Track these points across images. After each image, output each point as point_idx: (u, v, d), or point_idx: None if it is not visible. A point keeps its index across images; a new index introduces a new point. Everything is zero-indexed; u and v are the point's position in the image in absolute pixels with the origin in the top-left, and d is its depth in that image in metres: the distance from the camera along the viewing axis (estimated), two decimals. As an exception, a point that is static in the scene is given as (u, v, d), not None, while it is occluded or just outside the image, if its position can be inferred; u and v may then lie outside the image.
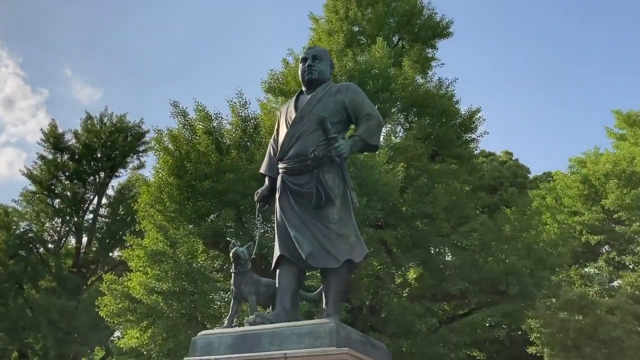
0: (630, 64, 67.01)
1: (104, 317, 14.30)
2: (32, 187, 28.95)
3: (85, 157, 29.31)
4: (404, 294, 16.00)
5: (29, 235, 27.81)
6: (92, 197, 29.61)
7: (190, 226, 14.70)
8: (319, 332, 5.15)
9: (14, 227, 27.78)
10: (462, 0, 59.18)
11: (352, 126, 6.36)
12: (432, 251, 16.44)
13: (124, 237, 26.09)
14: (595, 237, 21.82)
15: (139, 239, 15.11)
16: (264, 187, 6.56)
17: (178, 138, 15.29)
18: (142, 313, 13.71)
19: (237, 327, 5.91)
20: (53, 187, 28.96)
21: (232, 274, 6.18)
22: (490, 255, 16.56)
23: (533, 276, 16.22)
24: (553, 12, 68.30)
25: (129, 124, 30.79)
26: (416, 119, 17.82)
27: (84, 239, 29.12)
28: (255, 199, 6.61)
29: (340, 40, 18.05)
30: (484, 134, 19.55)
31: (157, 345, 13.93)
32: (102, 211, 29.83)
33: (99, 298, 14.50)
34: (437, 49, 21.29)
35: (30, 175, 28.80)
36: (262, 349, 5.29)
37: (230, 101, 16.11)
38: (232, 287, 6.17)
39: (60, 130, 30.04)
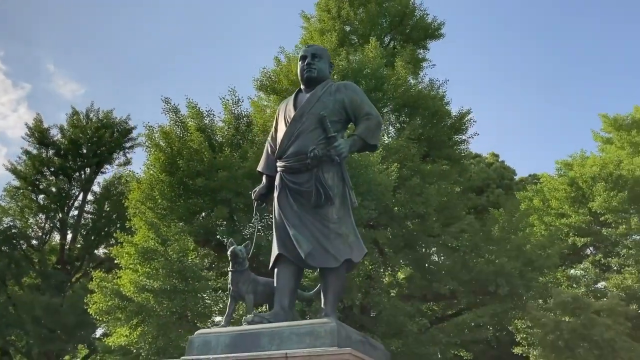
0: (616, 67, 67.86)
1: (93, 314, 14.11)
2: (16, 182, 28.54)
3: (70, 153, 28.91)
4: (394, 294, 16.00)
5: (13, 231, 27.35)
6: (77, 193, 29.25)
7: (181, 224, 14.59)
8: (320, 332, 5.10)
9: (-3, 222, 27.43)
10: (452, 2, 59.50)
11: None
12: (422, 251, 16.48)
13: (113, 234, 25.94)
14: (582, 239, 22.07)
15: (129, 235, 14.95)
16: (261, 185, 6.54)
17: (170, 135, 15.17)
18: (132, 311, 13.56)
19: (234, 326, 5.84)
20: (38, 182, 28.53)
21: (230, 273, 6.14)
22: (480, 256, 16.65)
23: (522, 277, 16.34)
24: (542, 15, 68.96)
25: (116, 120, 30.48)
26: (408, 119, 17.87)
27: (69, 236, 28.77)
28: (253, 197, 6.60)
29: (333, 40, 18.05)
30: (474, 135, 19.68)
31: (147, 344, 13.79)
32: (88, 207, 29.50)
33: (88, 295, 14.32)
34: (429, 49, 21.41)
35: (14, 171, 28.35)
36: (261, 348, 5.23)
37: (223, 98, 16.04)
38: (229, 285, 6.12)
39: (45, 125, 29.70)
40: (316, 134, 5.94)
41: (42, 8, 67.00)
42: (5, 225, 27.39)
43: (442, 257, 17.76)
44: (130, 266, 14.16)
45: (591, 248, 24.59)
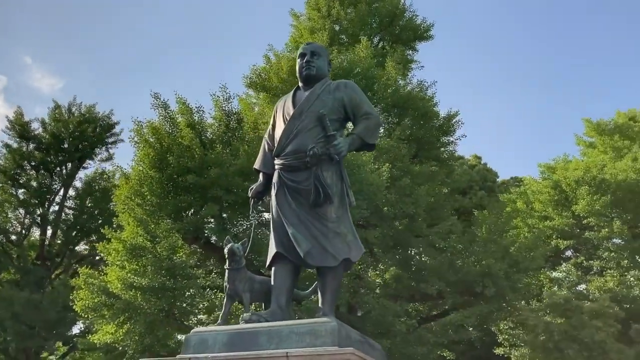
0: (598, 72, 68.90)
1: (79, 311, 13.89)
2: (-4, 176, 28.12)
3: (52, 147, 28.54)
4: (381, 293, 16.03)
5: (-8, 225, 27.00)
6: (58, 188, 28.87)
7: (169, 220, 14.45)
8: (320, 331, 5.06)
9: (-25, 216, 26.98)
10: (437, 3, 59.85)
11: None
12: (411, 252, 16.54)
13: (96, 231, 25.63)
14: (565, 241, 22.34)
15: (116, 231, 14.77)
16: (258, 183, 6.47)
17: (159, 130, 15.02)
18: (119, 308, 13.38)
19: (231, 325, 5.78)
20: (18, 176, 28.14)
21: (226, 271, 6.07)
22: (467, 257, 16.77)
23: (508, 279, 16.49)
24: (525, 19, 69.71)
25: (98, 115, 30.13)
26: (397, 120, 17.92)
27: (49, 231, 28.35)
28: (249, 195, 6.52)
29: (324, 39, 18.01)
30: (462, 137, 19.81)
31: (133, 342, 13.63)
32: (69, 203, 29.12)
33: (74, 292, 14.09)
34: (418, 51, 21.50)
35: (-7, 164, 27.97)
36: (260, 347, 5.17)
37: (214, 95, 15.92)
38: (225, 284, 6.04)
39: (26, 119, 29.25)
40: (315, 132, 5.91)
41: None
42: (-17, 220, 26.97)
43: (428, 258, 17.84)
44: (117, 263, 13.98)
45: (571, 251, 24.92)
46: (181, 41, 73.68)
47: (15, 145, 28.57)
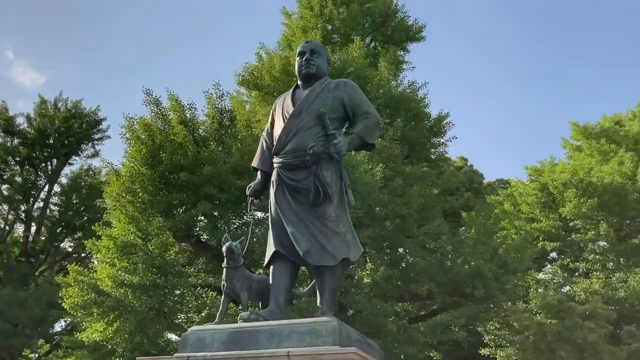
0: (583, 76, 69.63)
1: (68, 309, 13.73)
2: (-22, 172, 27.74)
3: (37, 143, 28.20)
4: (372, 294, 16.05)
5: (-26, 222, 26.65)
6: (43, 184, 28.54)
7: (160, 218, 14.35)
8: (321, 331, 5.04)
9: (-43, 212, 26.61)
10: (422, 4, 60.14)
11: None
12: (401, 252, 16.58)
13: (86, 227, 25.35)
14: (552, 243, 22.57)
15: (105, 229, 14.62)
16: (256, 181, 6.47)
17: (151, 127, 14.90)
18: (108, 306, 13.25)
19: (230, 324, 5.72)
20: (2, 172, 27.79)
21: (224, 269, 6.05)
22: (457, 257, 16.86)
23: (497, 280, 16.61)
24: (513, 22, 70.26)
25: (85, 111, 29.84)
26: (389, 120, 17.96)
27: (33, 228, 28.03)
28: (247, 193, 6.50)
29: (317, 38, 17.99)
30: (453, 138, 19.96)
31: (123, 340, 13.51)
32: (55, 199, 28.81)
33: (63, 289, 13.92)
34: (409, 51, 21.58)
35: (-25, 159, 27.57)
36: (259, 346, 5.14)
37: (207, 92, 15.85)
38: (223, 282, 6.02)
39: (10, 114, 28.85)
40: (315, 130, 5.92)
41: (3, -8, 64.91)
42: (-34, 216, 26.59)
43: (418, 259, 17.92)
44: (108, 260, 13.84)
45: (554, 253, 25.18)
46: (169, 37, 73.22)
47: (-1, 140, 28.26)
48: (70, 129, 28.66)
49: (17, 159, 28.13)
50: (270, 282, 5.88)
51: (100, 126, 29.83)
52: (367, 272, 16.69)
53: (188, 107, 15.76)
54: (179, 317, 14.82)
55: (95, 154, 29.87)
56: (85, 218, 27.48)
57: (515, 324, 19.07)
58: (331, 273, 5.76)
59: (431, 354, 19.75)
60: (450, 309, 17.02)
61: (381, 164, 14.61)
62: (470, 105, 70.60)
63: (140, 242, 13.41)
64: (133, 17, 68.80)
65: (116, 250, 13.49)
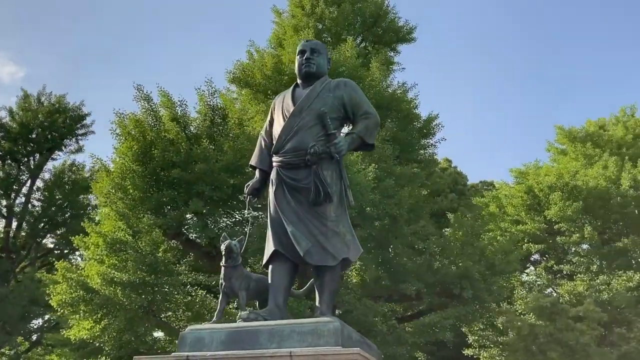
0: (567, 80, 70.41)
1: (55, 306, 13.53)
2: (-41, 165, 27.25)
3: (20, 137, 27.78)
4: (361, 293, 16.09)
5: (-46, 216, 26.17)
6: (25, 179, 28.13)
7: (150, 215, 14.20)
8: (323, 331, 5.03)
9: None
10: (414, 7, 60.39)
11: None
12: (391, 252, 16.61)
13: (64, 224, 25.03)
14: (536, 245, 22.83)
15: (95, 225, 14.44)
16: (254, 179, 6.43)
17: (142, 123, 14.76)
18: (97, 304, 13.09)
19: (229, 323, 5.67)
20: (-18, 166, 27.38)
21: (222, 268, 6.00)
22: (444, 258, 16.96)
23: (485, 281, 16.74)
24: (497, 25, 70.82)
25: (69, 105, 29.48)
26: (381, 121, 17.99)
27: (14, 223, 27.60)
28: (246, 192, 6.47)
29: (310, 37, 17.91)
30: (442, 140, 20.06)
31: (111, 338, 13.35)
32: (37, 195, 28.40)
33: (50, 286, 13.72)
34: (400, 52, 21.63)
35: (-44, 153, 27.08)
36: (260, 346, 5.12)
37: (199, 89, 15.74)
38: (221, 281, 5.98)
39: (-10, 108, 28.40)
40: (315, 130, 5.91)
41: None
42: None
43: (405, 259, 17.99)
44: (96, 257, 13.67)
45: (537, 255, 25.46)
46: (153, 31, 72.60)
47: (-20, 134, 27.78)
48: (54, 124, 28.29)
49: (-1, 152, 27.72)
50: (269, 281, 5.85)
51: (85, 121, 29.51)
52: (357, 271, 16.72)
53: (179, 103, 15.67)
54: (167, 315, 14.70)
55: (79, 150, 29.56)
56: (69, 214, 27.12)
57: (500, 325, 19.26)
58: (331, 273, 5.75)
59: (415, 354, 19.85)
60: (438, 309, 17.11)
61: (373, 164, 14.63)
62: (453, 107, 71.08)
63: (131, 239, 13.27)
64: (116, 8, 68.10)
65: (105, 247, 13.32)
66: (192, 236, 15.56)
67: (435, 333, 17.27)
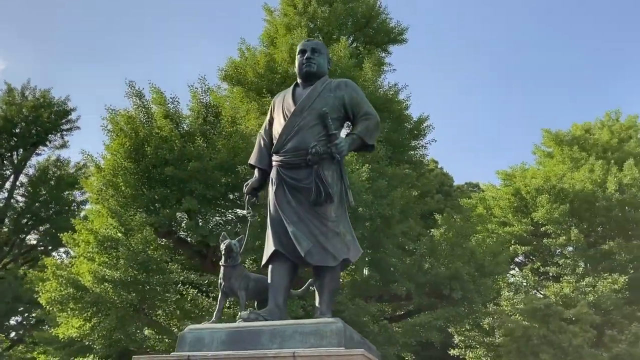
0: (554, 83, 71.07)
1: (44, 304, 13.34)
2: (-60, 160, 26.80)
3: (4, 131, 27.38)
4: (352, 293, 16.09)
5: None
6: (9, 174, 27.73)
7: (141, 212, 14.07)
8: (325, 332, 5.00)
9: None
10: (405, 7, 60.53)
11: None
12: (383, 253, 16.63)
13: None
14: (523, 247, 23.03)
15: (85, 221, 14.26)
16: (253, 179, 6.40)
17: (134, 120, 14.60)
18: (87, 302, 12.92)
19: (229, 323, 5.65)
20: (-36, 161, 26.97)
21: (222, 267, 5.97)
22: (435, 259, 17.02)
23: (474, 282, 16.83)
24: (482, 30, 71.27)
25: (54, 100, 29.12)
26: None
27: (-3, 219, 27.20)
28: (245, 191, 6.44)
29: (303, 36, 17.85)
30: (432, 141, 20.13)
31: (101, 337, 13.19)
32: (21, 190, 28.01)
33: (40, 284, 13.51)
34: (391, 53, 21.68)
35: (-62, 147, 26.60)
36: (261, 346, 5.07)
37: (192, 86, 15.62)
38: (220, 280, 5.95)
39: (-26, 101, 27.96)
40: (316, 130, 5.89)
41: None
42: None
43: (394, 260, 18.04)
44: (87, 255, 13.49)
45: (523, 256, 25.68)
46: (139, 25, 71.96)
47: (-37, 128, 27.33)
48: (39, 119, 27.97)
49: (-19, 147, 27.30)
50: (269, 281, 5.82)
51: (70, 116, 29.18)
52: (348, 271, 16.72)
53: (171, 100, 15.53)
54: (157, 313, 14.57)
55: (64, 145, 29.23)
56: (53, 210, 26.79)
57: (486, 325, 19.39)
58: (331, 274, 5.74)
59: (402, 354, 19.92)
60: (428, 310, 17.18)
61: (366, 165, 14.64)
62: (438, 107, 71.44)
63: (122, 237, 13.12)
64: (100, 2, 67.36)
65: (96, 244, 13.16)
66: (183, 234, 15.44)
67: (425, 333, 17.37)
